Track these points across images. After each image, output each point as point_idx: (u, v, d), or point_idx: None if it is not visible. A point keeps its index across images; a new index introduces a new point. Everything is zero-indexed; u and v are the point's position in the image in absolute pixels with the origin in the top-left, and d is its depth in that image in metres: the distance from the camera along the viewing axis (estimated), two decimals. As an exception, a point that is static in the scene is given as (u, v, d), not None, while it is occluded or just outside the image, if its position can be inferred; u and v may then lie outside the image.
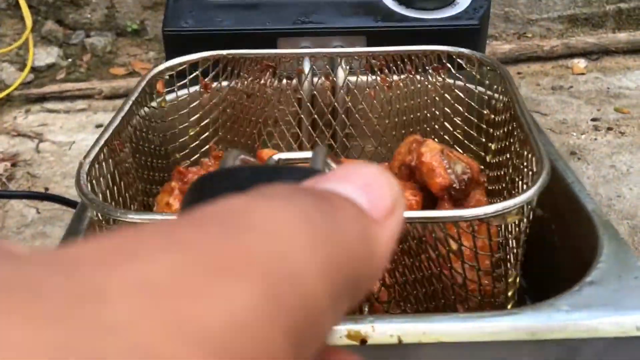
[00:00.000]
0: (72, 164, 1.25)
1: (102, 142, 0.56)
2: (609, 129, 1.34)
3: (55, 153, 1.30)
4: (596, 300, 0.42)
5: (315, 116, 0.79)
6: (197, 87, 0.80)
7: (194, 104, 0.80)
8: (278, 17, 0.75)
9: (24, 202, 1.12)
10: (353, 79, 0.76)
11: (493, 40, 1.72)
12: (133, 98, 0.65)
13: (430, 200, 0.61)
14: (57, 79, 1.59)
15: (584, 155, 1.25)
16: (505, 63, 1.61)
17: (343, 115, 0.77)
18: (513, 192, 0.57)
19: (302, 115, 0.80)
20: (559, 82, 1.53)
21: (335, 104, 0.78)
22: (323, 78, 0.78)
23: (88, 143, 1.29)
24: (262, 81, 0.81)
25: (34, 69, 1.61)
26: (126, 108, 0.63)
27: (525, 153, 0.53)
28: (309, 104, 0.78)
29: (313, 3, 0.76)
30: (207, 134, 0.86)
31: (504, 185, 0.61)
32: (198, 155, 0.87)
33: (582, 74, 1.57)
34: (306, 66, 0.75)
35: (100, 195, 0.51)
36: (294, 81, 0.77)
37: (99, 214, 0.46)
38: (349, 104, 0.78)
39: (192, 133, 0.85)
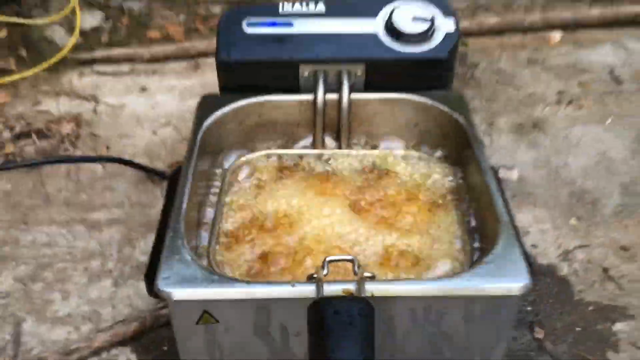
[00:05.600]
0: (127, 126, 1.53)
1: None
2: (570, 102, 1.60)
3: (110, 115, 1.58)
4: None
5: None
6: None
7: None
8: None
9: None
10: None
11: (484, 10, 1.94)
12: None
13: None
14: (102, 42, 1.84)
15: (545, 127, 1.52)
16: (490, 34, 1.86)
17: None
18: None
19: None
20: (534, 55, 1.77)
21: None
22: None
23: (135, 107, 1.56)
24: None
25: (81, 32, 1.85)
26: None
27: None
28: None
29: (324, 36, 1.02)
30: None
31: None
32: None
33: (557, 47, 1.81)
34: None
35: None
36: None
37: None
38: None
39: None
